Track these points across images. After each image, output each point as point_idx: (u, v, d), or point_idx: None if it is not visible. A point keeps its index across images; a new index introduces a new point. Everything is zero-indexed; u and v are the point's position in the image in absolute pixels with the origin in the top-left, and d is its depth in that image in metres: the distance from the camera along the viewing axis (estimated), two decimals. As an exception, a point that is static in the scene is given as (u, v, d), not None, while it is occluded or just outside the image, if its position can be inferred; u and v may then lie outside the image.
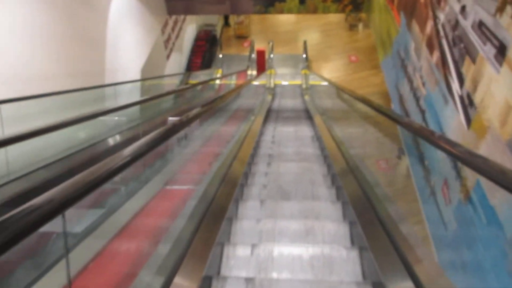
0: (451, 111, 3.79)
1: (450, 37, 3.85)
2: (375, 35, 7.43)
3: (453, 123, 3.74)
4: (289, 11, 8.17)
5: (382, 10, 6.73)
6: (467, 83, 3.44)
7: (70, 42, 4.42)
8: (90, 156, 3.53)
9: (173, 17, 11.20)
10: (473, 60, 3.32)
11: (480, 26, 3.22)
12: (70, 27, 4.41)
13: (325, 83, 9.15)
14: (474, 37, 3.32)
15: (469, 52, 3.42)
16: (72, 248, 1.56)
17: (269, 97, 11.21)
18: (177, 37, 11.72)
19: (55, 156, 3.45)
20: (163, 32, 10.19)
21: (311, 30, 15.90)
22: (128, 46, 6.39)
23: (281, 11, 8.22)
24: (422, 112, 4.61)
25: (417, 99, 4.83)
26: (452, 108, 3.77)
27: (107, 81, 5.49)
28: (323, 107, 8.84)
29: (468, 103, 3.41)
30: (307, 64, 13.35)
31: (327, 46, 14.99)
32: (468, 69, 3.43)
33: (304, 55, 13.69)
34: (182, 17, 12.28)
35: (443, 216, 3.87)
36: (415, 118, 4.87)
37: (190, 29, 13.60)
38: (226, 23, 16.03)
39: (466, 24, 3.49)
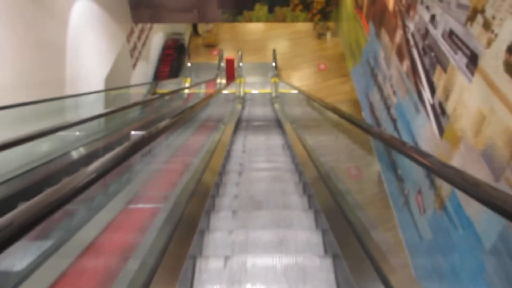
0: (423, 120, 3.77)
1: (420, 46, 3.85)
2: (344, 44, 7.46)
3: (425, 132, 3.72)
4: (258, 20, 8.09)
5: (351, 19, 6.76)
6: (439, 92, 3.43)
7: (24, 49, 4.12)
8: (45, 174, 3.25)
9: (140, 25, 10.90)
10: (444, 69, 3.31)
11: (450, 35, 3.21)
12: (24, 33, 4.11)
13: (295, 91, 9.14)
14: (444, 46, 3.31)
15: (440, 61, 3.40)
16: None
17: (239, 106, 11.09)
18: (143, 45, 11.41)
19: (8, 173, 3.16)
20: (128, 40, 9.88)
21: (280, 38, 15.95)
22: (91, 55, 6.09)
23: (250, 20, 8.13)
24: (394, 120, 4.59)
25: (388, 108, 4.82)
26: (423, 117, 3.75)
27: (67, 92, 5.19)
28: (293, 115, 8.81)
29: (440, 112, 3.39)
30: (277, 72, 13.34)
31: (296, 55, 15.06)
32: (439, 78, 3.42)
33: (274, 64, 13.68)
34: (149, 25, 11.99)
35: (418, 226, 3.82)
36: (387, 126, 4.86)
37: (157, 37, 13.30)
38: (195, 32, 15.84)
39: (436, 33, 3.48)
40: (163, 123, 2.39)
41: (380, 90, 5.09)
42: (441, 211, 3.35)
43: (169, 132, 2.62)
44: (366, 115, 5.82)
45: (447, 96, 3.26)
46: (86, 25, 5.88)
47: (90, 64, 6.04)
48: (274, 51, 14.21)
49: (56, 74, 4.89)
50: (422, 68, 3.78)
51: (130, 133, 3.05)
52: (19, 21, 4.04)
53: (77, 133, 4.01)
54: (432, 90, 3.56)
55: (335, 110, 3.89)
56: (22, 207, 0.86)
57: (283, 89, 12.19)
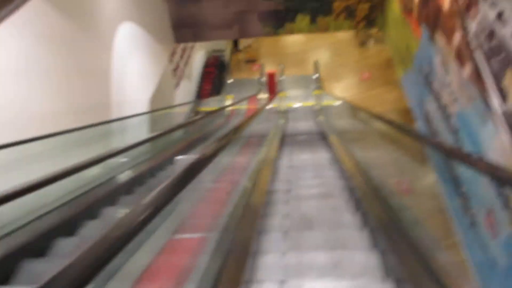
0: (491, 130, 3.37)
1: (485, 48, 3.47)
2: (392, 51, 7.09)
3: (495, 144, 3.31)
4: (300, 31, 7.91)
5: (399, 24, 6.40)
6: (511, 99, 3.04)
7: (71, 76, 4.17)
8: (85, 205, 3.17)
9: (181, 44, 11.07)
10: (518, 72, 2.93)
11: (524, 33, 2.85)
12: (70, 60, 4.17)
13: (339, 103, 8.81)
14: (517, 47, 2.94)
15: (512, 64, 3.03)
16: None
17: (282, 121, 10.89)
18: (185, 64, 11.56)
19: (45, 207, 3.12)
20: (171, 60, 10.04)
21: (320, 49, 15.69)
22: (135, 77, 6.16)
23: (292, 32, 7.96)
24: (455, 131, 4.19)
25: (447, 118, 4.42)
26: (492, 127, 3.35)
27: (113, 115, 5.22)
28: (339, 128, 8.47)
29: (515, 121, 3.00)
30: (319, 84, 13.05)
31: (338, 65, 14.71)
32: (511, 83, 3.04)
33: (316, 75, 13.40)
34: (190, 44, 12.18)
35: (490, 249, 3.39)
36: (446, 138, 4.45)
37: (198, 55, 13.48)
38: (236, 48, 15.91)
39: (505, 32, 3.11)
40: (211, 147, 2.21)
41: (437, 98, 4.70)
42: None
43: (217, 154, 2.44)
44: (420, 126, 5.41)
45: (523, 102, 2.88)
46: (130, 48, 5.95)
47: (134, 86, 6.10)
48: (316, 62, 13.95)
49: (102, 98, 4.93)
50: (490, 73, 3.40)
51: (174, 158, 2.91)
52: (65, 48, 4.09)
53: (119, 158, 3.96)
54: (503, 96, 3.17)
55: (387, 121, 3.59)
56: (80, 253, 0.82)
57: (326, 101, 11.88)
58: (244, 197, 3.23)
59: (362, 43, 15.43)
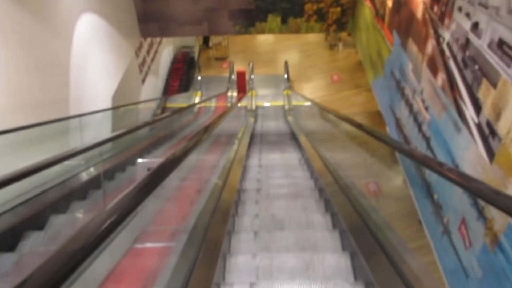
0: (465, 140, 3.33)
1: (459, 58, 3.44)
2: (363, 55, 7.07)
3: (469, 155, 3.28)
4: (271, 31, 7.76)
5: (370, 29, 6.38)
6: (486, 110, 3.00)
7: (24, 70, 3.80)
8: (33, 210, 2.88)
9: (148, 39, 10.67)
10: (493, 84, 2.89)
11: (500, 45, 2.80)
12: (23, 52, 3.80)
13: (308, 104, 8.78)
14: (493, 58, 2.89)
15: (487, 75, 2.99)
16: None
17: (251, 120, 10.74)
18: (152, 60, 11.17)
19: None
20: (137, 55, 9.63)
21: (291, 50, 15.64)
22: (97, 72, 5.79)
23: (262, 31, 7.80)
24: (427, 139, 4.16)
25: (419, 125, 4.39)
26: (466, 137, 3.32)
27: (72, 112, 4.87)
28: (308, 128, 8.45)
29: (489, 133, 2.96)
30: (289, 84, 12.99)
31: (308, 66, 14.72)
32: (486, 94, 3.00)
33: (286, 76, 13.34)
34: (158, 39, 11.77)
35: (463, 261, 3.36)
36: (418, 144, 4.43)
37: (166, 51, 13.08)
38: (206, 45, 15.58)
39: (481, 43, 3.07)
40: (180, 150, 2.07)
41: (409, 105, 4.67)
42: (494, 248, 2.90)
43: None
44: (391, 131, 5.39)
45: (498, 115, 2.84)
46: (92, 41, 5.59)
47: (96, 81, 5.73)
48: (286, 62, 13.89)
49: (59, 94, 4.57)
50: (463, 83, 3.36)
51: (136, 160, 2.67)
52: (19, 43, 3.73)
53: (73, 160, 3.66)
54: (477, 107, 3.14)
55: (358, 125, 3.52)
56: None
57: (296, 101, 11.84)
58: (213, 196, 3.15)
59: (332, 46, 15.52)
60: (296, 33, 7.70)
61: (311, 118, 8.80)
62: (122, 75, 6.72)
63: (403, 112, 4.88)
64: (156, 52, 11.56)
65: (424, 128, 4.25)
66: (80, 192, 3.46)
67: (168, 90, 12.54)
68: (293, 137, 8.53)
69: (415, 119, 4.49)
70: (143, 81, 10.16)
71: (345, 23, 7.70)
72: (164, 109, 11.46)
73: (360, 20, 7.18)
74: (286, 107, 12.16)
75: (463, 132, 3.37)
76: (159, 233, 2.45)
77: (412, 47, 4.55)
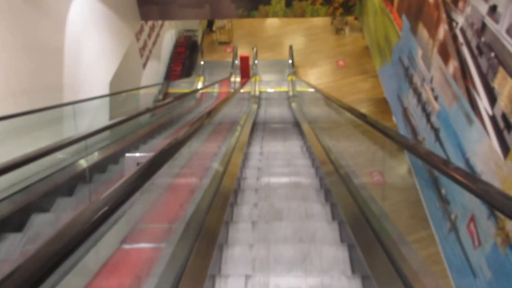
0: (477, 133, 3.13)
1: (473, 44, 3.20)
2: (370, 40, 6.80)
3: (481, 149, 3.08)
4: (275, 15, 7.48)
5: (378, 13, 6.09)
6: (502, 102, 2.79)
7: (15, 54, 3.62)
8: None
9: (149, 22, 10.40)
10: (511, 74, 2.67)
11: (520, 31, 2.57)
12: (12, 35, 3.61)
13: (313, 90, 8.56)
14: (511, 45, 2.67)
15: (504, 63, 2.76)
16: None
17: (255, 106, 10.53)
18: (154, 43, 10.91)
19: None
20: (138, 38, 9.39)
21: (296, 34, 15.29)
22: (94, 56, 5.59)
23: (266, 15, 7.52)
24: (435, 130, 3.95)
25: (427, 115, 4.18)
26: (479, 130, 3.11)
27: (66, 99, 4.69)
28: (312, 115, 8.25)
29: (504, 127, 2.75)
30: (294, 70, 12.70)
31: (313, 51, 14.38)
32: (502, 84, 2.78)
33: (290, 61, 13.04)
34: (159, 22, 11.49)
35: (471, 260, 3.19)
36: (426, 136, 4.23)
37: (168, 35, 12.80)
38: (210, 29, 15.22)
39: (499, 28, 2.83)
40: (180, 138, 1.99)
41: (417, 93, 4.45)
42: (505, 248, 2.72)
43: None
44: (398, 121, 5.18)
45: (515, 107, 2.63)
46: (88, 24, 5.37)
47: (92, 66, 5.54)
48: (290, 47, 13.57)
49: (51, 79, 4.39)
50: (477, 71, 3.14)
51: (125, 156, 2.50)
52: (8, 25, 3.53)
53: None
54: (492, 98, 2.92)
55: (364, 118, 3.34)
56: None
57: (300, 87, 11.58)
58: (214, 182, 3.12)
59: (338, 30, 15.13)
60: (301, 17, 7.42)
61: (316, 104, 8.59)
62: (120, 60, 6.52)
63: (411, 101, 4.66)
64: (157, 35, 11.30)
65: (433, 118, 4.03)
66: (66, 187, 3.29)
67: (170, 75, 12.31)
68: (297, 125, 8.36)
69: (424, 109, 4.28)
70: (144, 65, 9.93)
71: (352, 6, 7.40)
72: (166, 95, 11.26)
73: (367, 4, 6.88)
74: (291, 93, 11.91)
75: (475, 124, 3.16)
76: (160, 216, 2.36)
77: (423, 32, 4.30)
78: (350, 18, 15.01)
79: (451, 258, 3.51)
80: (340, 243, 2.55)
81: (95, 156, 4.22)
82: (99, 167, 4.15)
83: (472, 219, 3.20)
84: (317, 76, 13.20)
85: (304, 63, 13.73)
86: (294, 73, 12.60)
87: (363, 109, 11.69)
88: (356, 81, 12.80)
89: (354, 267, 2.25)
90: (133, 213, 1.98)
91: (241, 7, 7.34)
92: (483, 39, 3.07)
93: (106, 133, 4.77)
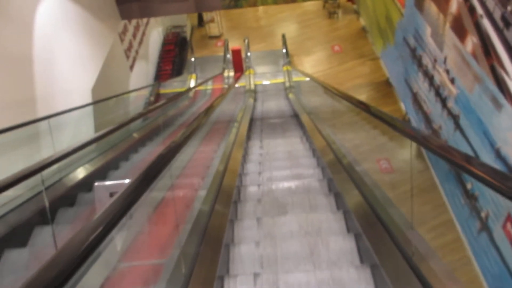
0: (509, 119, 2.68)
1: (497, 16, 2.73)
2: (368, 22, 6.31)
3: (514, 137, 2.63)
4: (264, 3, 6.99)
5: (376, -10, 5.61)
6: (540, 81, 2.33)
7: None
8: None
9: (134, 21, 9.90)
10: (551, 47, 2.22)
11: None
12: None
13: (309, 79, 8.12)
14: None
15: (541, 35, 2.31)
16: None
17: (251, 100, 10.07)
18: (140, 43, 10.42)
19: None
20: (122, 39, 8.90)
21: (287, 22, 14.75)
22: (70, 63, 5.13)
23: (254, 4, 7.03)
24: (454, 117, 3.50)
25: (443, 100, 3.72)
26: (510, 114, 2.66)
27: (40, 113, 4.24)
28: (311, 106, 7.82)
29: (545, 111, 2.31)
30: (289, 59, 12.20)
31: (307, 38, 13.85)
32: (540, 59, 2.33)
33: (284, 50, 12.53)
34: (144, 20, 10.98)
35: (510, 265, 2.76)
36: (443, 124, 3.78)
37: (155, 32, 12.29)
38: (200, 24, 14.65)
39: (531, -7, 2.37)
40: (176, 143, 1.81)
41: (428, 76, 3.99)
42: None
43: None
44: (407, 108, 4.73)
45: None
46: (60, 27, 4.90)
47: (70, 74, 5.08)
48: (283, 36, 13.05)
49: (20, 92, 3.94)
50: (504, 47, 2.68)
51: (94, 185, 2.05)
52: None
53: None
54: (526, 77, 2.47)
55: (367, 109, 2.92)
56: None
57: (296, 77, 11.10)
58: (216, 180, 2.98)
59: (331, 14, 14.59)
60: (292, 2, 6.93)
61: (314, 94, 8.14)
62: (102, 64, 6.05)
63: (421, 86, 4.20)
64: (143, 34, 10.79)
65: (450, 104, 3.58)
66: (18, 235, 2.74)
67: (161, 75, 11.83)
68: (296, 117, 7.93)
69: (438, 94, 3.82)
70: (131, 67, 9.45)
71: (346, -14, 6.89)
72: (158, 96, 10.79)
73: (362, -18, 6.38)
74: (287, 84, 11.44)
75: (505, 108, 2.71)
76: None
77: (431, 7, 3.82)
78: (342, 1, 14.46)
79: (484, 263, 3.08)
80: (346, 233, 2.50)
81: (63, 184, 3.74)
82: (66, 199, 3.58)
83: (509, 218, 2.76)
84: (313, 64, 12.70)
85: (298, 51, 13.21)
86: (289, 62, 12.10)
87: (364, 94, 11.22)
88: (353, 65, 12.30)
89: (363, 258, 2.20)
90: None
91: (227, -3, 6.85)
92: (509, 8, 2.60)
93: (88, 148, 4.31)
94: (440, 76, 3.72)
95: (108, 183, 2.01)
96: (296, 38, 13.81)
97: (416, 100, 4.38)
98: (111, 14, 6.71)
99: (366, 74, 11.90)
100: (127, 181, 1.58)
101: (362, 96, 11.08)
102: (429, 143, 1.82)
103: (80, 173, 4.03)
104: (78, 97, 5.18)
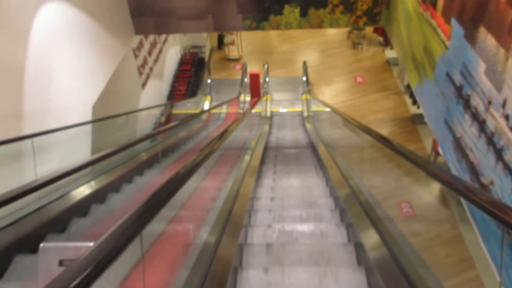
0: None
1: None
2: (402, 54, 5.74)
3: None
4: (288, 26, 6.51)
5: (413, 19, 5.06)
6: None
7: None
8: None
9: (151, 37, 9.57)
10: None
11: None
12: None
13: (329, 110, 7.55)
14: None
15: None
16: None
17: (266, 128, 9.52)
18: (156, 61, 10.06)
19: None
20: (136, 55, 8.53)
21: (310, 49, 14.34)
22: (71, 77, 4.66)
23: (278, 26, 6.56)
24: (511, 170, 2.85)
25: (497, 151, 3.07)
26: None
27: (27, 130, 3.74)
28: (330, 138, 7.22)
29: None
30: (308, 88, 11.69)
31: (329, 67, 13.37)
32: None
33: (304, 78, 12.04)
34: (162, 37, 10.67)
35: None
36: (495, 179, 3.12)
37: (173, 51, 11.97)
38: (220, 46, 14.32)
39: None
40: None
41: (479, 121, 3.36)
42: None
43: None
44: (446, 153, 4.08)
45: None
46: (61, 37, 4.46)
47: (68, 88, 4.60)
48: (304, 63, 12.60)
49: (8, 106, 3.45)
50: None
51: (40, 246, 1.47)
52: None
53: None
54: None
55: (400, 151, 2.35)
56: None
57: (316, 106, 10.56)
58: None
59: (355, 45, 14.15)
60: (319, 27, 6.44)
61: (334, 126, 7.56)
62: (107, 79, 5.58)
63: (467, 130, 3.57)
64: (160, 52, 10.46)
65: (508, 156, 2.93)
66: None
67: (174, 95, 11.41)
68: (313, 150, 7.33)
69: (491, 142, 3.18)
70: (144, 85, 9.04)
71: (378, 14, 6.39)
72: (169, 116, 10.34)
73: (398, 9, 5.86)
74: (305, 113, 10.89)
75: None
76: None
77: (487, 39, 3.23)
78: (368, 32, 14.03)
79: None
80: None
81: (53, 208, 3.19)
82: (55, 224, 3.09)
83: None
84: (333, 94, 12.16)
85: (319, 80, 12.72)
86: (309, 91, 11.59)
87: (386, 129, 10.58)
88: (376, 98, 11.71)
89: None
90: None
91: (249, 18, 6.39)
92: None
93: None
94: (496, 122, 3.09)
95: (58, 244, 1.43)
96: (317, 66, 13.35)
97: (459, 146, 3.73)
98: (124, 28, 6.31)
99: (389, 109, 11.29)
100: (90, 244, 1.05)
101: (384, 131, 10.45)
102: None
103: (75, 195, 3.51)
104: (76, 115, 4.68)
